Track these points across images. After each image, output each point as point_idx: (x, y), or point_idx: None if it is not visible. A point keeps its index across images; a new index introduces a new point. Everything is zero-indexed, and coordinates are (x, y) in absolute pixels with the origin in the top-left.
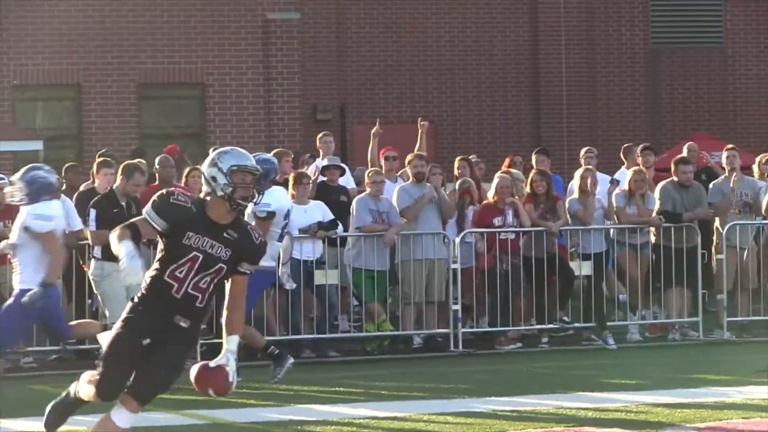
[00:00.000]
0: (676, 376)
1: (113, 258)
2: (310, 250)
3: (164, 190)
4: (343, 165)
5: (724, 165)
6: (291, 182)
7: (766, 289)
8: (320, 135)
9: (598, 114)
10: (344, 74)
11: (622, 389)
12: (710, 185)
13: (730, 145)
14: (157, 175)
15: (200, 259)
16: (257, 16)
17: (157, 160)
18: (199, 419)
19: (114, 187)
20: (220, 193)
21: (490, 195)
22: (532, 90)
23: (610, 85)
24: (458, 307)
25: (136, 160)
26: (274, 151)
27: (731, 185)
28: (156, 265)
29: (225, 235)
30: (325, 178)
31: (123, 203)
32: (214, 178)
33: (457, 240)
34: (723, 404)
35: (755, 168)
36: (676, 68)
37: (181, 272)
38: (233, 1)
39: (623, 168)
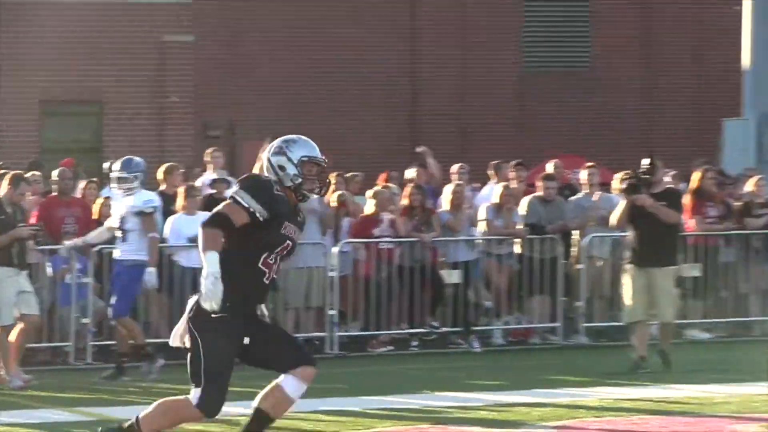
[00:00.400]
0: (535, 377)
1: (3, 263)
2: (197, 258)
3: (260, 179)
4: (230, 179)
5: (584, 181)
6: (182, 194)
7: (621, 297)
8: (210, 150)
9: (471, 132)
10: (234, 93)
11: (486, 390)
12: (570, 200)
13: (590, 163)
14: (56, 186)
15: (290, 246)
16: (154, 38)
17: (55, 172)
18: (87, 416)
19: (1, 195)
20: (288, 183)
21: (368, 208)
22: (409, 108)
23: (483, 106)
24: (334, 312)
25: (29, 173)
26: (166, 164)
27: (594, 199)
28: (246, 253)
29: (299, 219)
30: (213, 191)
31: (9, 210)
32: (282, 167)
33: (335, 249)
34: (578, 404)
35: (614, 184)
36: (544, 90)
37: (272, 259)
38: (132, 24)
39: (491, 183)
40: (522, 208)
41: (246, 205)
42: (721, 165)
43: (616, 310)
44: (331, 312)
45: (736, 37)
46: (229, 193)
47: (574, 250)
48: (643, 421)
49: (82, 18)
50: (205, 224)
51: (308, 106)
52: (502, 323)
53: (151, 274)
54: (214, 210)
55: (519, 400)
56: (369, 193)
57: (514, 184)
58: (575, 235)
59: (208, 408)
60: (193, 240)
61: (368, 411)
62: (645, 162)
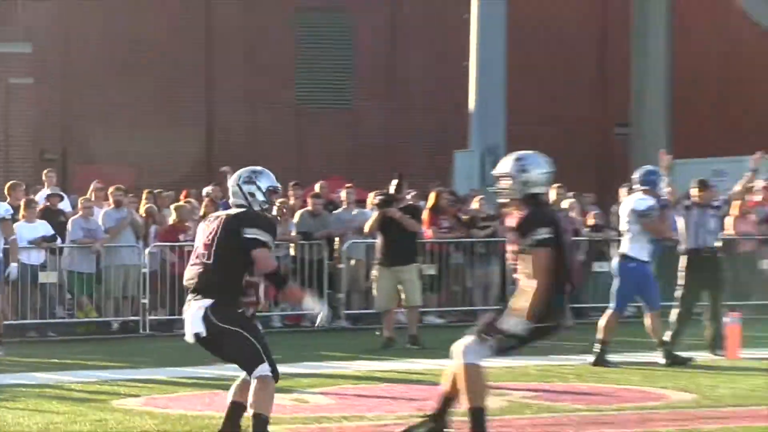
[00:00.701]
0: (305, 353)
1: None
2: (36, 257)
3: (273, 220)
4: (62, 193)
5: (344, 199)
6: (23, 205)
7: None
8: (46, 171)
9: (258, 156)
10: (66, 124)
11: None
12: (333, 213)
13: (349, 184)
14: None
15: None
16: (1, 80)
17: None
18: None
19: None
20: (256, 208)
21: (171, 219)
22: (206, 139)
23: (268, 136)
24: (146, 300)
25: None
26: (11, 182)
27: (353, 213)
28: (245, 273)
29: None
30: (48, 203)
31: None
32: (252, 194)
33: (147, 251)
34: (339, 374)
35: (368, 201)
36: (317, 124)
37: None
38: None
39: None
40: (295, 219)
41: (271, 246)
42: (453, 187)
43: (369, 300)
44: (143, 300)
45: (466, 84)
46: (61, 205)
47: (336, 252)
48: (390, 387)
49: None
50: (269, 274)
51: (126, 135)
52: (280, 310)
53: (15, 269)
54: (273, 269)
55: (292, 371)
56: (172, 206)
57: (291, 200)
58: (337, 241)
59: (277, 374)
60: (32, 242)
61: (173, 379)
62: (394, 183)
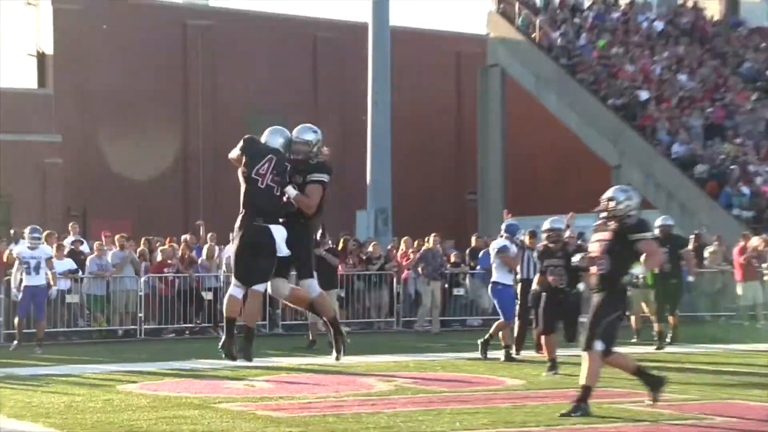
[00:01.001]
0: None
1: None
2: (64, 284)
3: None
4: (83, 239)
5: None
6: (55, 248)
7: None
8: (71, 223)
9: (222, 213)
10: (86, 191)
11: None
12: None
13: None
14: None
15: None
16: (37, 160)
17: None
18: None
19: None
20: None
21: (159, 258)
22: (184, 198)
23: (228, 198)
24: (142, 314)
25: None
26: (47, 231)
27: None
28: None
29: None
30: (73, 247)
31: None
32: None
33: (141, 280)
34: (278, 366)
35: None
36: (204, 166)
37: None
38: (23, 151)
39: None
40: None
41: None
42: (356, 236)
43: (299, 314)
44: (140, 314)
45: (365, 163)
46: (82, 247)
47: None
48: (313, 376)
49: None
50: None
51: (128, 198)
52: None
53: (54, 291)
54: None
55: (244, 364)
56: (160, 249)
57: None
58: None
59: (266, 292)
60: (62, 274)
61: (161, 370)
62: (319, 232)
